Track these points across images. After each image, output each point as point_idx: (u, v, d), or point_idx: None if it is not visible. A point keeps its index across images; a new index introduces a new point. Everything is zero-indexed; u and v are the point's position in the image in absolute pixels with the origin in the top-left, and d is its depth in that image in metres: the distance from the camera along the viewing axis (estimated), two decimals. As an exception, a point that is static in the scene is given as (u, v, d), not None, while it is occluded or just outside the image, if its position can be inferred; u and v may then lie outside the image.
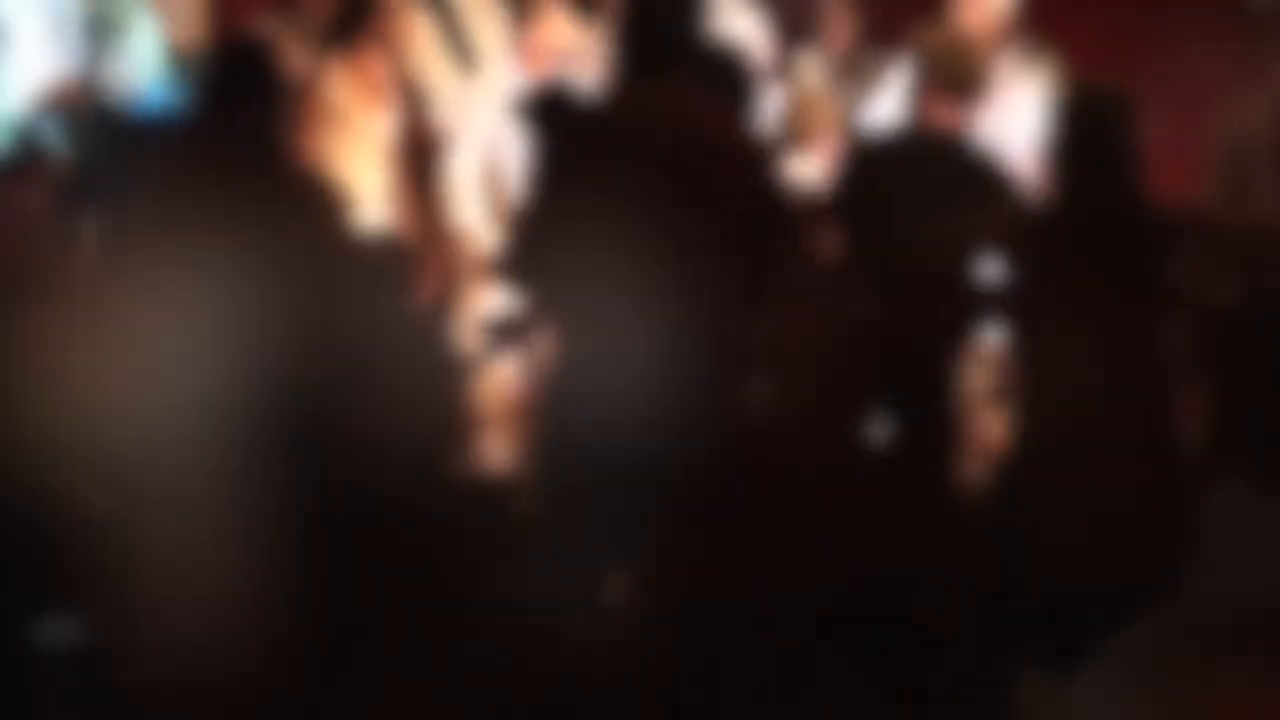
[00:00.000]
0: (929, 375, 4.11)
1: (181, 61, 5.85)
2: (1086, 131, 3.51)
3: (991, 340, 5.06)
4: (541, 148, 4.10)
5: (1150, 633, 1.43)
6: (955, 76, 4.27)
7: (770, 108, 5.46)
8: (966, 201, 4.08)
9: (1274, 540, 2.41)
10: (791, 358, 3.00)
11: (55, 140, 5.24)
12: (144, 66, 5.59)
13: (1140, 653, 1.42)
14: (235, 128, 3.87)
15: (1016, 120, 5.86)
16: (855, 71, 6.98)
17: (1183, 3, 7.50)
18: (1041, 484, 3.46)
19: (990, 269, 3.75)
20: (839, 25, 7.69)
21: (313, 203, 3.89)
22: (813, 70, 7.49)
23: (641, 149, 3.58)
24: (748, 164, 3.69)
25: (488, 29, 6.90)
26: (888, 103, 5.64)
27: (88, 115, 5.38)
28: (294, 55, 6.20)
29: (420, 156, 5.92)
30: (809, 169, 5.21)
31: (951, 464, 4.23)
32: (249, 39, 4.30)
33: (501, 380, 5.73)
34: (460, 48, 6.79)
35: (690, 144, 3.56)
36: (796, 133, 5.24)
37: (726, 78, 4.17)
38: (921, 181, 4.12)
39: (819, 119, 5.33)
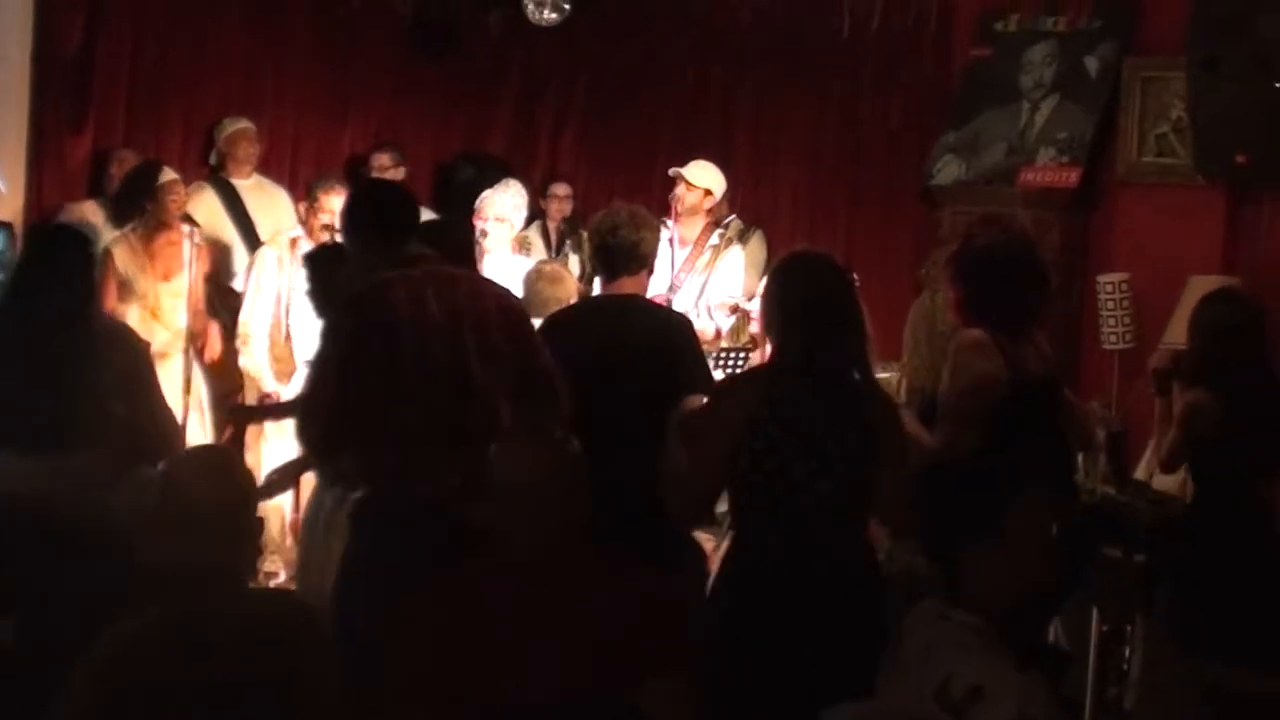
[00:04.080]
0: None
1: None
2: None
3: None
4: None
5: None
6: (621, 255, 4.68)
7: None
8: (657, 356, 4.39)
9: (956, 645, 2.83)
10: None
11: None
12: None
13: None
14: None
15: (726, 280, 6.68)
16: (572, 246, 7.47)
17: (873, 183, 8.17)
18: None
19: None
20: (557, 205, 8.21)
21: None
22: (539, 244, 7.89)
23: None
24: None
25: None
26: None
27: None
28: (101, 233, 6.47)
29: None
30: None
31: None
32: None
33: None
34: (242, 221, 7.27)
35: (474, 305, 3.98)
36: (546, 300, 5.59)
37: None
38: (614, 340, 4.48)
39: (569, 289, 5.70)
